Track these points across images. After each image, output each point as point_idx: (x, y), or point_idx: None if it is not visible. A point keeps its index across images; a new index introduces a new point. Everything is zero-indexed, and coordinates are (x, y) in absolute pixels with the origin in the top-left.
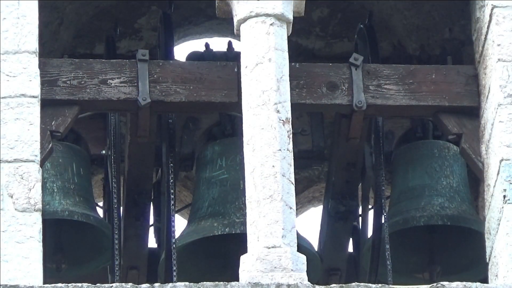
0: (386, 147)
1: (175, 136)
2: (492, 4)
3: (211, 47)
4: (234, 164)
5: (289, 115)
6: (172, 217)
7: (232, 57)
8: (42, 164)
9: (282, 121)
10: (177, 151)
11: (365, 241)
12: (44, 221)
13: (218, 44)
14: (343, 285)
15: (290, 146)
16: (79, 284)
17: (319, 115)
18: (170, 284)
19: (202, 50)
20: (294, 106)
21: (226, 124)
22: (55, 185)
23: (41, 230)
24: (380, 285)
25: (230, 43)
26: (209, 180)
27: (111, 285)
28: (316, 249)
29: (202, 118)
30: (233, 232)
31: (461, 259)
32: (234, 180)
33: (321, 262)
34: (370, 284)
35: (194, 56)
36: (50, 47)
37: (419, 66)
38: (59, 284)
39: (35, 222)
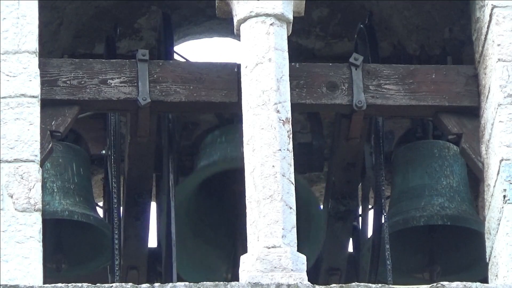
0: (386, 147)
1: (175, 136)
2: (492, 4)
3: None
4: (235, 138)
5: (289, 115)
6: (172, 217)
7: None
8: (42, 164)
9: (282, 121)
10: (177, 149)
11: (365, 241)
12: (44, 221)
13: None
14: (343, 285)
15: (290, 146)
16: (79, 284)
17: (318, 115)
18: (170, 284)
19: None
20: (294, 106)
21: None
22: (55, 185)
23: (41, 230)
24: (380, 285)
25: None
26: (209, 153)
27: (111, 285)
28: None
29: (201, 122)
30: (234, 167)
31: (461, 259)
32: (234, 146)
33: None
34: (370, 284)
35: None
36: (50, 47)
37: (419, 66)
38: (59, 284)
39: (35, 222)
